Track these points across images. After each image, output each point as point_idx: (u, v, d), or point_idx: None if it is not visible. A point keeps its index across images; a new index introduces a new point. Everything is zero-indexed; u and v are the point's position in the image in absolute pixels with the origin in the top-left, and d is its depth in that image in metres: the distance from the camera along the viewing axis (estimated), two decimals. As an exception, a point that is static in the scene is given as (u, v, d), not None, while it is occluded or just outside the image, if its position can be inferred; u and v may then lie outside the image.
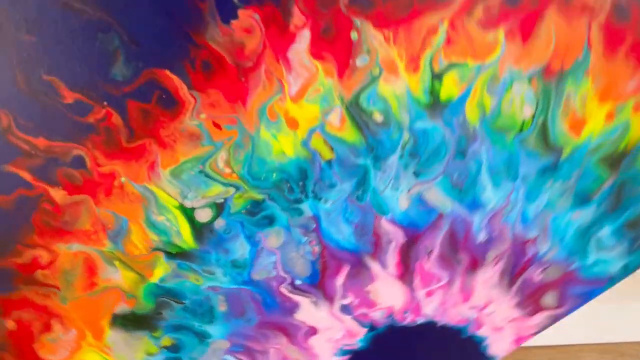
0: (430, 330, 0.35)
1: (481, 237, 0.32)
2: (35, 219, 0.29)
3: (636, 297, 0.43)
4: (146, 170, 0.28)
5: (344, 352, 0.35)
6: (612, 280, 0.34)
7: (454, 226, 0.32)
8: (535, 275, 0.33)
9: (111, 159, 0.28)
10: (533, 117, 0.29)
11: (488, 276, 0.33)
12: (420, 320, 0.35)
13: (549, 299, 0.34)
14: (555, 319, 0.35)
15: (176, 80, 0.27)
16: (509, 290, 0.34)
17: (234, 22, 0.26)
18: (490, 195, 0.31)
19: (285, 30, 0.27)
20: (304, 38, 0.27)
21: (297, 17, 0.27)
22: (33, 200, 0.28)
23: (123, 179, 0.28)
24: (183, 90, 0.27)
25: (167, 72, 0.27)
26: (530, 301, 0.34)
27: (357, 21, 0.27)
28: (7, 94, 0.26)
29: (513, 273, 0.33)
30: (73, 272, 0.30)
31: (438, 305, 0.34)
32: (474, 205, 0.32)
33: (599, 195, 0.31)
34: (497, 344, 0.36)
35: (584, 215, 0.32)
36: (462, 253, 0.33)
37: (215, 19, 0.26)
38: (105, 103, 0.27)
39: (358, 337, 0.35)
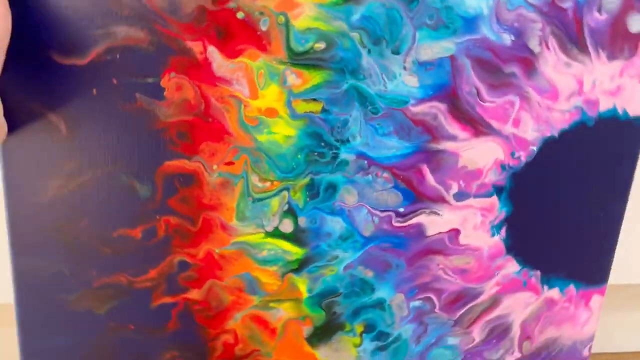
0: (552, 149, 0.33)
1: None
2: (198, 317, 0.35)
3: None
4: (222, 231, 0.33)
5: (497, 227, 0.34)
6: None
7: (471, 50, 0.30)
8: None
9: (196, 245, 0.33)
10: None
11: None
12: (531, 152, 0.33)
13: None
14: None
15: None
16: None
17: (166, 94, 0.30)
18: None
19: (196, 63, 0.30)
20: (213, 54, 0.30)
21: (194, 46, 0.29)
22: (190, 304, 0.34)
23: (217, 250, 0.33)
24: (201, 169, 0.31)
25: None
26: None
27: (232, 3, 0.29)
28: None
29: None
30: (254, 333, 0.35)
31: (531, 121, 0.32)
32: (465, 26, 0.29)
33: None
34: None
35: None
36: (506, 65, 0.31)
37: (153, 104, 0.30)
38: (157, 217, 0.32)
39: (495, 208, 0.34)
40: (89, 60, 0.29)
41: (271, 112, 0.31)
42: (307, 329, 0.36)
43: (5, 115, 0.29)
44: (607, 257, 0.36)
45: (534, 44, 0.31)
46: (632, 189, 0.35)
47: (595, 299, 0.37)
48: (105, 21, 0.28)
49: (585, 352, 0.38)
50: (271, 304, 0.35)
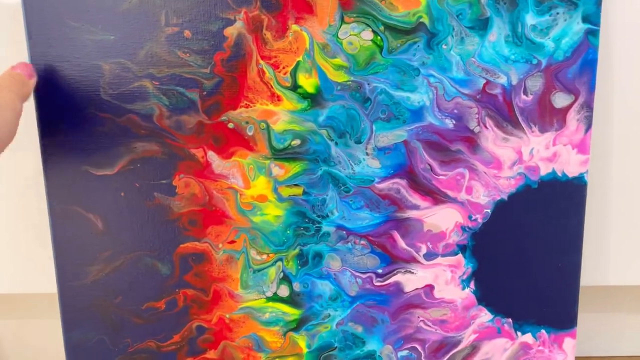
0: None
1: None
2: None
3: None
4: (230, 299, 0.39)
5: (466, 281, 0.39)
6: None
7: (420, 135, 0.37)
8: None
9: (210, 312, 0.40)
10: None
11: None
12: (486, 215, 0.38)
13: None
14: None
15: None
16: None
17: (177, 191, 0.38)
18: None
19: (200, 165, 0.37)
20: (212, 157, 0.37)
21: (197, 152, 0.37)
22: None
23: (227, 315, 0.40)
24: (209, 248, 0.38)
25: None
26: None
27: (223, 117, 0.37)
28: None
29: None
30: (265, 386, 0.41)
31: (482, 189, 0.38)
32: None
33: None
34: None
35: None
36: (452, 143, 0.37)
37: (168, 200, 0.38)
38: (177, 290, 0.39)
39: (462, 264, 0.39)
40: (117, 171, 0.37)
41: (262, 198, 0.38)
42: (310, 382, 0.41)
43: (54, 216, 0.37)
44: (572, 303, 0.40)
45: (473, 125, 0.37)
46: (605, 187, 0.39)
47: (568, 342, 0.41)
48: (127, 140, 0.37)
49: (567, 392, 0.41)
50: (277, 360, 0.41)
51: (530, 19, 0.36)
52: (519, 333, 0.40)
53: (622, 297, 0.54)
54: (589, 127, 0.37)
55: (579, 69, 0.36)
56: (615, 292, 0.52)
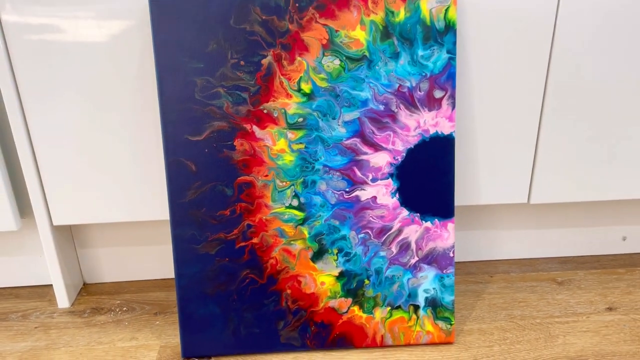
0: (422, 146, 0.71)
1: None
2: (258, 252, 0.73)
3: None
4: (266, 208, 0.71)
5: (394, 193, 0.73)
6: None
7: (366, 114, 0.70)
8: (412, 97, 0.69)
9: (254, 216, 0.71)
10: (338, 64, 0.67)
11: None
12: (402, 156, 0.71)
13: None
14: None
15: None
16: (411, 111, 0.69)
17: (237, 148, 0.69)
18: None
19: (248, 133, 0.69)
20: (255, 129, 0.69)
21: (247, 126, 0.69)
22: None
23: (264, 217, 0.71)
24: (254, 180, 0.70)
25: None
26: (424, 105, 0.69)
27: (263, 108, 0.69)
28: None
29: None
30: (285, 258, 0.73)
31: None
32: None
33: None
34: (437, 129, 0.70)
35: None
36: (383, 118, 0.70)
37: (232, 153, 0.69)
38: (236, 204, 0.71)
39: (391, 184, 0.72)
40: (203, 137, 0.68)
41: (282, 151, 0.70)
42: (310, 254, 0.73)
43: (168, 163, 0.69)
44: (450, 204, 0.73)
45: (394, 108, 0.70)
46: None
47: (450, 226, 0.74)
48: (209, 120, 0.68)
49: (450, 254, 0.75)
50: (291, 242, 0.73)
51: (420, 52, 0.69)
52: (423, 221, 0.74)
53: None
54: (453, 107, 0.71)
55: (446, 77, 0.70)
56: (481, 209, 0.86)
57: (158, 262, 0.91)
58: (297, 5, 0.67)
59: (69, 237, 0.88)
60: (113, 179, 0.77)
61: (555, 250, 0.97)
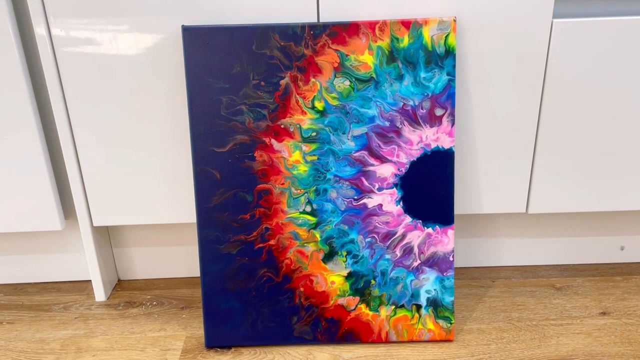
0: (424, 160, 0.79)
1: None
2: (275, 252, 0.81)
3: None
4: (282, 213, 0.79)
5: (398, 201, 0.80)
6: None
7: (373, 129, 0.77)
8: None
9: (272, 219, 0.79)
10: (348, 85, 0.76)
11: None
12: (406, 168, 0.79)
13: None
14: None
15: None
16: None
17: (257, 158, 0.78)
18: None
19: (267, 146, 0.77)
20: (273, 142, 0.77)
21: (266, 139, 0.77)
22: None
23: (280, 222, 0.79)
24: (272, 187, 0.78)
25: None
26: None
27: (280, 123, 0.77)
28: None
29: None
30: (299, 258, 0.81)
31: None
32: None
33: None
34: (438, 144, 0.78)
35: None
36: (389, 133, 0.78)
37: (252, 163, 0.78)
38: (255, 209, 0.79)
39: (396, 193, 0.79)
40: (227, 149, 0.77)
41: (297, 162, 0.78)
42: (321, 255, 0.81)
43: (196, 172, 0.77)
44: (450, 212, 0.80)
45: (398, 124, 0.78)
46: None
47: (450, 232, 0.81)
48: (232, 134, 0.77)
49: (450, 258, 0.82)
50: (304, 244, 0.81)
51: (422, 74, 0.76)
52: (425, 228, 0.81)
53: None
54: (453, 124, 0.78)
55: (446, 97, 0.77)
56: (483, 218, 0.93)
57: (185, 261, 1.00)
58: (312, 32, 0.75)
59: (106, 237, 0.97)
60: (147, 185, 0.86)
61: (556, 258, 1.02)
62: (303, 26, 0.75)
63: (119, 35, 0.78)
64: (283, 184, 0.78)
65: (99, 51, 0.79)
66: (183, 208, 0.88)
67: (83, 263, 0.99)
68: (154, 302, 0.95)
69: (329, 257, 0.81)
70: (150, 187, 0.87)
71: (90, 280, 0.97)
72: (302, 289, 0.82)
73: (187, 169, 0.85)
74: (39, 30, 0.78)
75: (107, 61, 0.79)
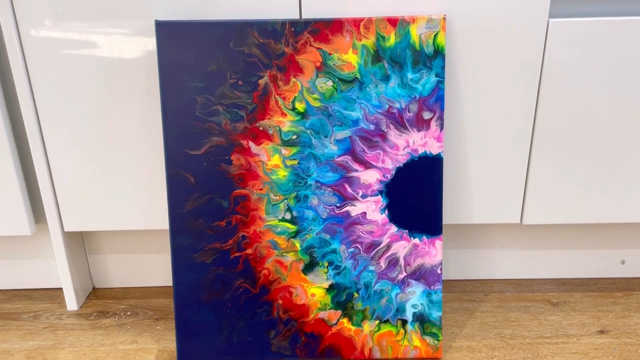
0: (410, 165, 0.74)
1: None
2: (252, 262, 0.76)
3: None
4: (260, 220, 0.75)
5: (383, 209, 0.75)
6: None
7: (357, 133, 0.73)
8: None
9: (249, 227, 0.75)
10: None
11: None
12: (392, 174, 0.74)
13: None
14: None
15: (238, 190, 0.74)
16: (400, 131, 0.72)
17: (233, 162, 0.73)
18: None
19: (244, 149, 0.73)
20: (251, 145, 0.73)
21: (244, 142, 0.73)
22: None
23: (258, 229, 0.75)
24: (249, 193, 0.74)
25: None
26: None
27: (259, 125, 0.72)
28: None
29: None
30: (277, 269, 0.76)
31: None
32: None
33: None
34: (426, 149, 0.73)
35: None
36: (374, 137, 0.73)
37: (229, 167, 0.73)
38: (232, 216, 0.75)
39: (380, 200, 0.75)
40: (202, 152, 0.72)
41: (276, 166, 0.74)
42: (301, 266, 0.76)
43: (168, 175, 0.73)
44: (438, 221, 0.76)
45: (384, 128, 0.73)
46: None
47: (438, 243, 0.76)
48: (208, 135, 0.72)
49: (438, 271, 0.77)
50: (284, 254, 0.76)
51: (409, 75, 0.72)
52: (411, 238, 0.76)
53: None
54: (442, 129, 0.74)
55: (434, 99, 0.73)
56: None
57: (163, 269, 0.96)
58: (292, 29, 0.71)
59: (80, 243, 0.93)
60: (121, 189, 0.82)
61: (553, 272, 0.98)
62: (283, 22, 0.71)
63: (90, 34, 0.74)
64: (261, 189, 0.74)
65: (69, 51, 0.75)
66: (159, 214, 0.83)
67: (56, 270, 0.95)
68: (128, 312, 0.90)
69: (309, 267, 0.76)
70: (124, 192, 0.83)
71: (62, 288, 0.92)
72: (280, 302, 0.77)
73: (163, 172, 0.81)
74: (8, 30, 0.74)
75: (77, 61, 0.75)
